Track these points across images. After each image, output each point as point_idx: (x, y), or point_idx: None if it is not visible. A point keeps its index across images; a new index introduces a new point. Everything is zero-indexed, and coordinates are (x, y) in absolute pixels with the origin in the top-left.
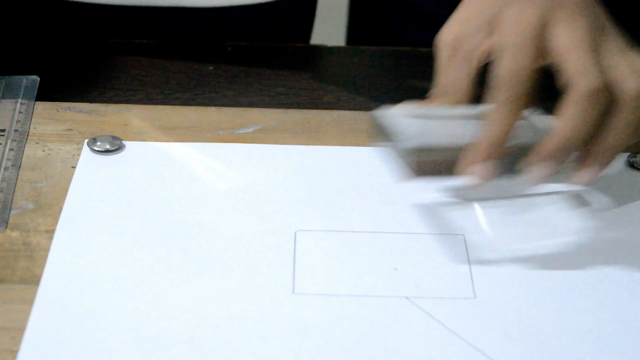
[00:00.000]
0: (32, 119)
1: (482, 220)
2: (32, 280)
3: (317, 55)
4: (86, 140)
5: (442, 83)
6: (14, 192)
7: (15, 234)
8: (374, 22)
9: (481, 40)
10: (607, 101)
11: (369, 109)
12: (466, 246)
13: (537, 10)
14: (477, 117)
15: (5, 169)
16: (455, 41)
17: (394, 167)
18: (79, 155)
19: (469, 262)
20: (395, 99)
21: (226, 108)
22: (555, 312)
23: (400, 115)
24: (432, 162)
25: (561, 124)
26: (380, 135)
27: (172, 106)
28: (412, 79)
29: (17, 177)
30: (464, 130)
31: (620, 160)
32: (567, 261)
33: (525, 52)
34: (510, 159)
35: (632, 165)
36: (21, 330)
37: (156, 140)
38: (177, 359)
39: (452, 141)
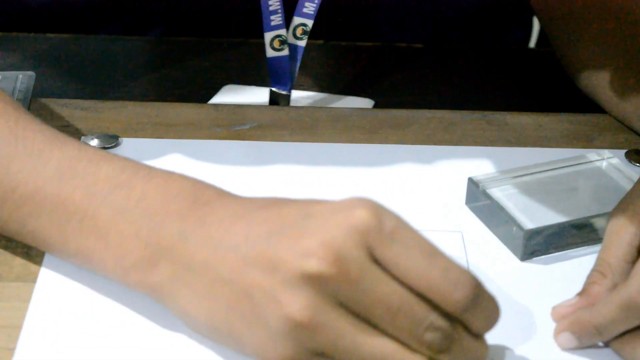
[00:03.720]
0: None
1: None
2: (29, 277)
3: (314, 50)
4: (82, 137)
5: None
6: None
7: None
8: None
9: None
10: None
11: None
12: (464, 243)
13: None
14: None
15: None
16: None
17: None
18: None
19: (467, 261)
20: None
21: (223, 105)
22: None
23: (502, 188)
24: (544, 242)
25: None
26: (479, 204)
27: (168, 103)
28: (398, 74)
29: None
30: (568, 201)
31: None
32: (567, 258)
33: None
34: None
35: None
36: (18, 327)
37: (153, 137)
38: (175, 357)
39: (560, 218)
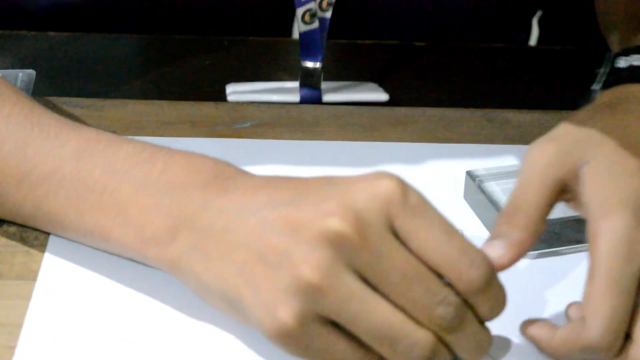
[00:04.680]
0: None
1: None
2: (29, 275)
3: None
4: None
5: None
6: None
7: (12, 229)
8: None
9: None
10: None
11: (366, 103)
12: None
13: None
14: None
15: None
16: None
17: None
18: None
19: None
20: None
21: (223, 103)
22: (555, 306)
23: (499, 183)
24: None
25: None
26: (476, 198)
27: (168, 101)
28: (399, 72)
29: None
30: None
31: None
32: (565, 254)
33: None
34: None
35: None
36: (19, 326)
37: (153, 135)
38: (176, 354)
39: (558, 214)
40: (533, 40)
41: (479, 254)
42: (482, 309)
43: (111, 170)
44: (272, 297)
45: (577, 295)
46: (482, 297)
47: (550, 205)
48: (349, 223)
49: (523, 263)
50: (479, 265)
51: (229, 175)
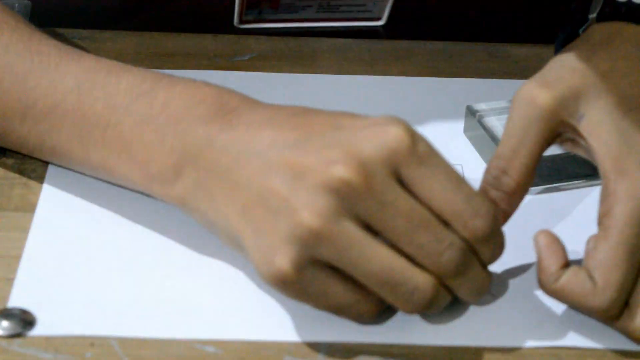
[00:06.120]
0: None
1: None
2: (28, 207)
3: None
4: None
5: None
6: None
7: (10, 161)
8: None
9: None
10: None
11: (366, 36)
12: (464, 176)
13: None
14: None
15: None
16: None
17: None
18: None
19: None
20: None
21: (222, 35)
22: None
23: (499, 118)
24: (540, 173)
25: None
26: (476, 133)
27: (167, 33)
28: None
29: None
30: None
31: None
32: (567, 189)
33: None
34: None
35: None
36: (17, 258)
37: (151, 67)
38: (174, 285)
39: (558, 149)
40: None
41: (485, 203)
42: (485, 255)
43: (113, 104)
44: (270, 242)
45: (577, 231)
46: (485, 244)
47: (540, 157)
48: (353, 171)
49: (524, 200)
50: (485, 214)
51: (232, 106)
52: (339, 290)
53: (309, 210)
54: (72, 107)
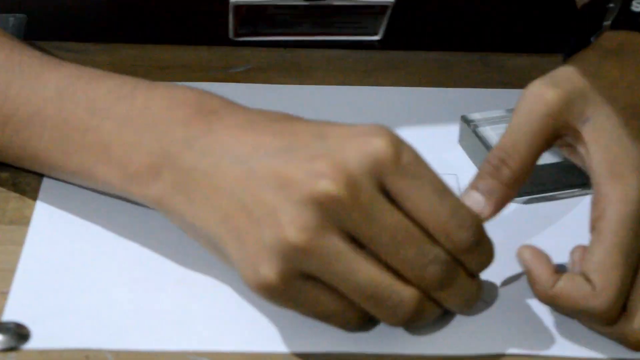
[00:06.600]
0: None
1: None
2: (22, 221)
3: None
4: None
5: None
6: None
7: (5, 175)
8: None
9: None
10: None
11: (361, 47)
12: (459, 186)
13: None
14: None
15: None
16: None
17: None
18: None
19: None
20: None
21: (217, 47)
22: (547, 251)
23: (494, 127)
24: (532, 183)
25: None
26: (470, 143)
27: (162, 45)
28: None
29: None
30: None
31: None
32: (559, 198)
33: None
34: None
35: None
36: (11, 271)
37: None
38: (168, 297)
39: (551, 159)
40: None
41: (469, 214)
42: (471, 265)
43: (93, 108)
44: (255, 251)
45: (567, 240)
46: (471, 255)
47: (540, 154)
48: (340, 185)
49: (513, 207)
50: (470, 226)
51: (212, 108)
52: (324, 300)
53: (295, 225)
54: (53, 112)
